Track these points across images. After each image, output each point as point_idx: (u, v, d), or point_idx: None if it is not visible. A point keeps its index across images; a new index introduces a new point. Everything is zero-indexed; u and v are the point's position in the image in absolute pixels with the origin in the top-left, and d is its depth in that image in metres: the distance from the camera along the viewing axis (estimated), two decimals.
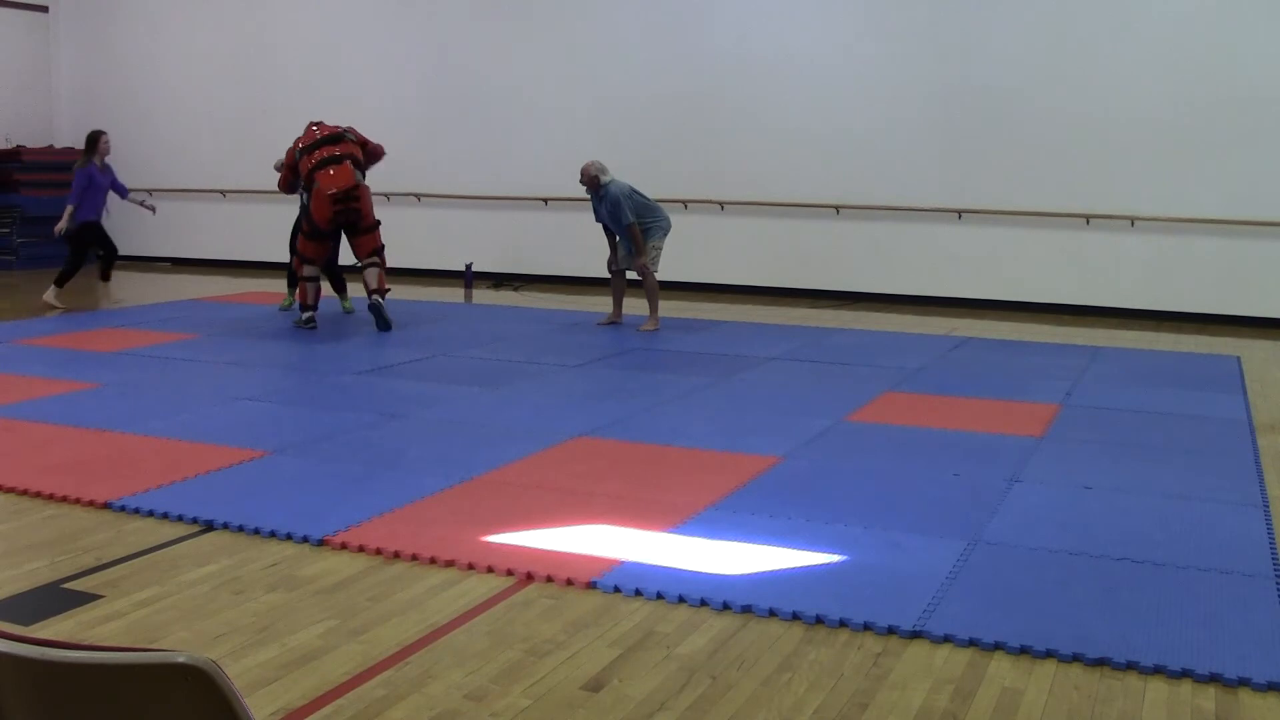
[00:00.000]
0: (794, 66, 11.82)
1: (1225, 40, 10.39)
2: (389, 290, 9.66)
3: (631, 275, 9.80)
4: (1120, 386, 7.45)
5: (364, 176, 9.46)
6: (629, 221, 9.31)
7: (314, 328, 9.36)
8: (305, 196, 9.53)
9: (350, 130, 9.57)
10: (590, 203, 9.66)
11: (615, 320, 9.88)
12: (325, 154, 9.25)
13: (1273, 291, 10.46)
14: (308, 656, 3.36)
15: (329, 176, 9.13)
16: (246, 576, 4.00)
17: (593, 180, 9.40)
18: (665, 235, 9.61)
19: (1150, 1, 10.63)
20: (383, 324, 9.32)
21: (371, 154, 9.68)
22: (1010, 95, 11.07)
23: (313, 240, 9.45)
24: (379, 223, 9.62)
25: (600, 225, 9.68)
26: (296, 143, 9.52)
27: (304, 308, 9.44)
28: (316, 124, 9.64)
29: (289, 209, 14.41)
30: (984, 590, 3.90)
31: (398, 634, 3.53)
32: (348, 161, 9.23)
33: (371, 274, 9.44)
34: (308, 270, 9.48)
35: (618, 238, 9.60)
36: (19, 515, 4.67)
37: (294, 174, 9.53)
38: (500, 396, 6.97)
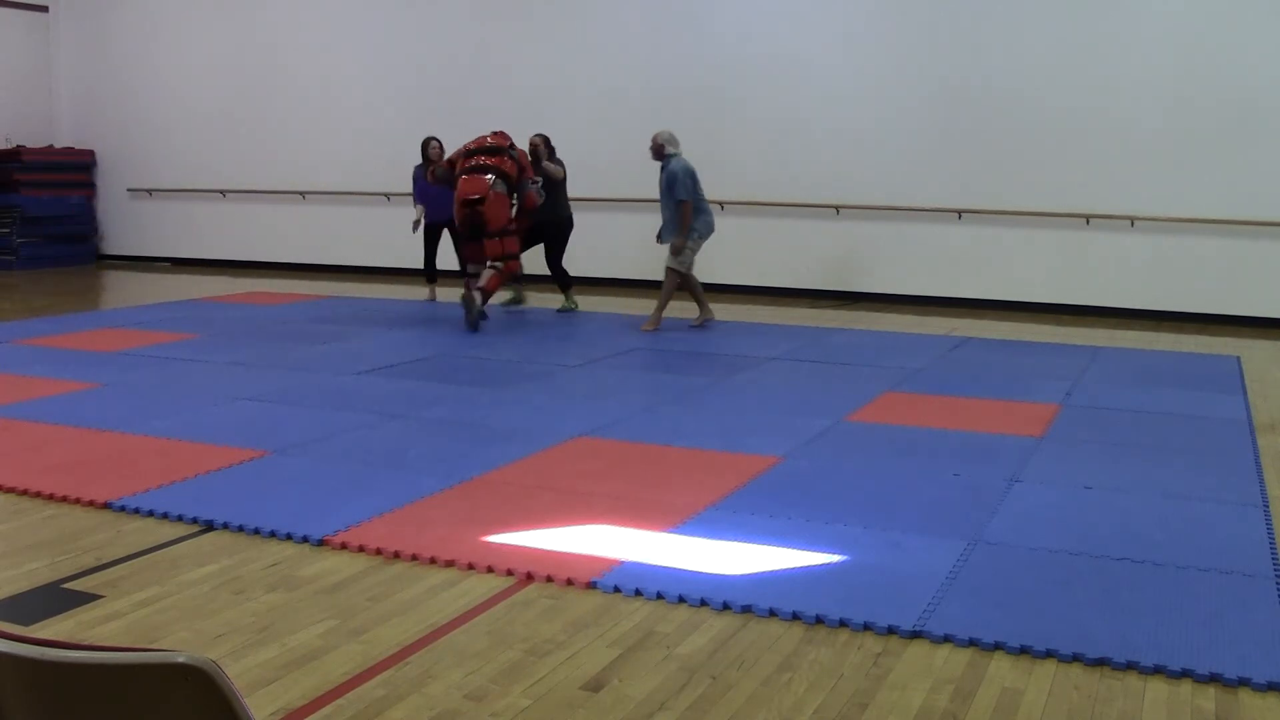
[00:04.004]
0: (794, 67, 11.82)
1: (1225, 40, 10.39)
2: (490, 296, 9.79)
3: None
4: (1120, 386, 7.45)
5: (508, 189, 9.67)
6: (682, 198, 9.31)
7: (485, 319, 9.72)
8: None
9: (520, 152, 9.83)
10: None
11: (708, 317, 9.81)
12: (476, 162, 9.61)
13: (1273, 291, 10.46)
14: (308, 656, 3.36)
15: (463, 182, 9.56)
16: (246, 576, 4.00)
17: (659, 149, 9.51)
18: (704, 239, 9.58)
19: (1151, 2, 10.63)
20: (470, 321, 9.48)
21: (522, 187, 9.84)
22: (1010, 95, 11.07)
23: (462, 243, 9.91)
24: (513, 232, 9.79)
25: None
26: (468, 144, 9.89)
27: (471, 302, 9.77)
28: (496, 134, 9.94)
29: (288, 208, 14.46)
30: (984, 590, 3.90)
31: (398, 634, 3.53)
32: (491, 174, 9.55)
33: (486, 273, 9.72)
34: (472, 268, 9.87)
35: (663, 218, 9.61)
36: (19, 515, 4.67)
37: (450, 168, 9.87)
38: (500, 396, 6.96)
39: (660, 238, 9.70)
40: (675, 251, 9.46)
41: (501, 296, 10.68)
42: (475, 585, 3.93)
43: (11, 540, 4.38)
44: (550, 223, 10.40)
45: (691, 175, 9.36)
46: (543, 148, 10.38)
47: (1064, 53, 10.87)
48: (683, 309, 10.66)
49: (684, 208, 9.32)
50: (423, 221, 11.07)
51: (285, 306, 10.95)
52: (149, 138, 15.25)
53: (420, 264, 11.51)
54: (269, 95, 14.41)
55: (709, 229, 9.58)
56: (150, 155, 15.26)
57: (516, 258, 9.86)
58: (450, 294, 11.31)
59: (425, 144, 11.08)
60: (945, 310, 11.18)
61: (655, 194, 10.62)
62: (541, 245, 10.62)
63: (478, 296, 9.49)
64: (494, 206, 9.50)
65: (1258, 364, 8.53)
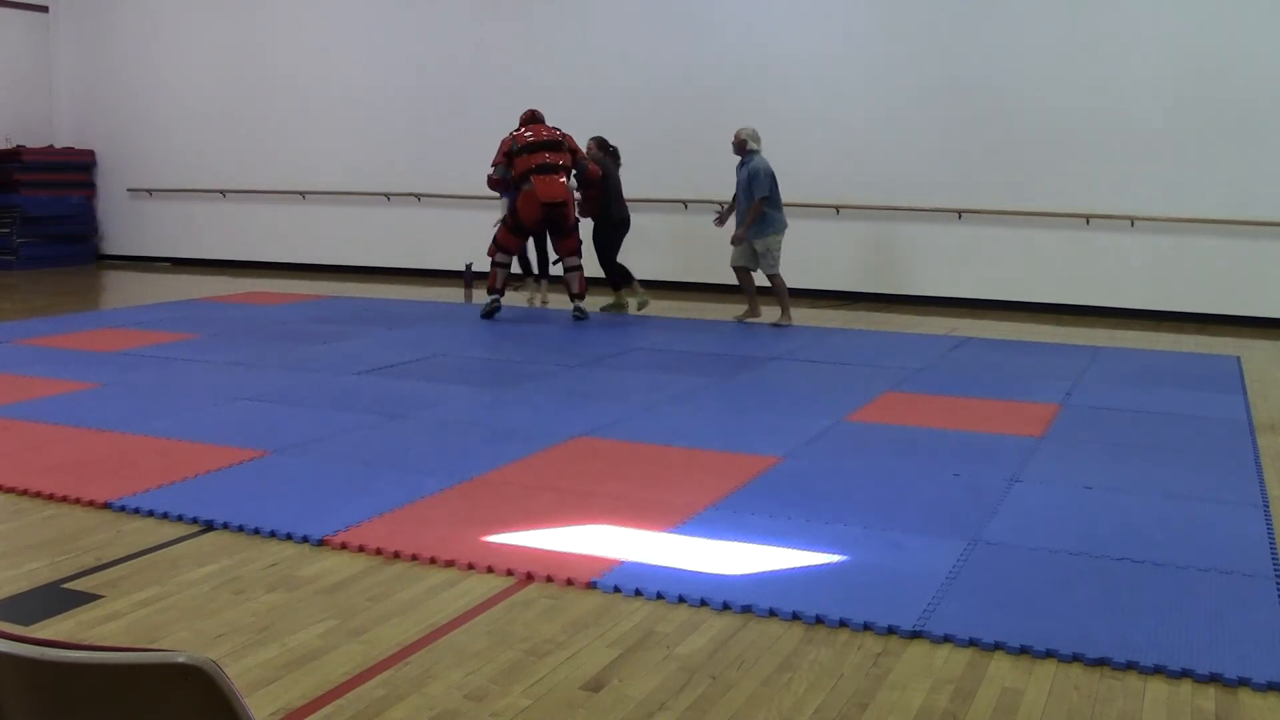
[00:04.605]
0: (794, 67, 11.82)
1: (1225, 40, 10.39)
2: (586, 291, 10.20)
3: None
4: (1120, 386, 7.45)
5: (570, 180, 9.86)
6: (761, 194, 9.51)
7: (498, 310, 10.01)
8: (513, 192, 9.96)
9: (566, 138, 9.89)
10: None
11: (753, 316, 10.01)
12: (546, 160, 9.69)
13: (1273, 291, 10.46)
14: (308, 656, 3.36)
15: (544, 184, 9.66)
16: (246, 576, 4.00)
17: (741, 144, 9.73)
18: (780, 235, 9.79)
19: (1151, 2, 10.63)
20: (583, 319, 9.92)
21: (581, 167, 9.91)
22: (1011, 95, 11.07)
23: (514, 234, 10.04)
24: (579, 221, 10.09)
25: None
26: (512, 136, 9.88)
27: (490, 291, 10.01)
28: (532, 115, 9.98)
29: (288, 208, 14.46)
30: (984, 590, 3.90)
31: (398, 634, 3.53)
32: (562, 174, 9.73)
33: (573, 278, 10.03)
34: (500, 258, 10.05)
35: (738, 213, 9.80)
36: (19, 515, 4.67)
37: (509, 163, 9.83)
38: (500, 396, 6.96)
39: (733, 260, 9.98)
40: (735, 242, 9.74)
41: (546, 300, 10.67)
42: (475, 585, 3.93)
43: (11, 540, 4.38)
44: (614, 223, 10.38)
45: (771, 175, 9.60)
46: (595, 152, 10.36)
47: (1064, 52, 10.87)
48: (680, 310, 10.66)
49: (758, 205, 9.53)
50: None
51: (285, 306, 10.95)
52: (149, 138, 15.25)
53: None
54: (269, 95, 14.41)
55: (783, 225, 9.81)
56: (150, 155, 15.26)
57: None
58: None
59: None
60: (945, 310, 11.18)
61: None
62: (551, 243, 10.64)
63: (581, 304, 9.91)
64: (572, 206, 9.84)
65: (1258, 364, 8.53)
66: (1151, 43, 10.60)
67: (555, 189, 9.63)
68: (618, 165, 10.52)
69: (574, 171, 9.94)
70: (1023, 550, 4.29)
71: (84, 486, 4.93)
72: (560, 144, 9.80)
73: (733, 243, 9.79)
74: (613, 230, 10.42)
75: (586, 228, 10.45)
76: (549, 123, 10.14)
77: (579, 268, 10.03)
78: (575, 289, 10.00)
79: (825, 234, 11.89)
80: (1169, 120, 10.58)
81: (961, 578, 3.99)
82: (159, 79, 15.12)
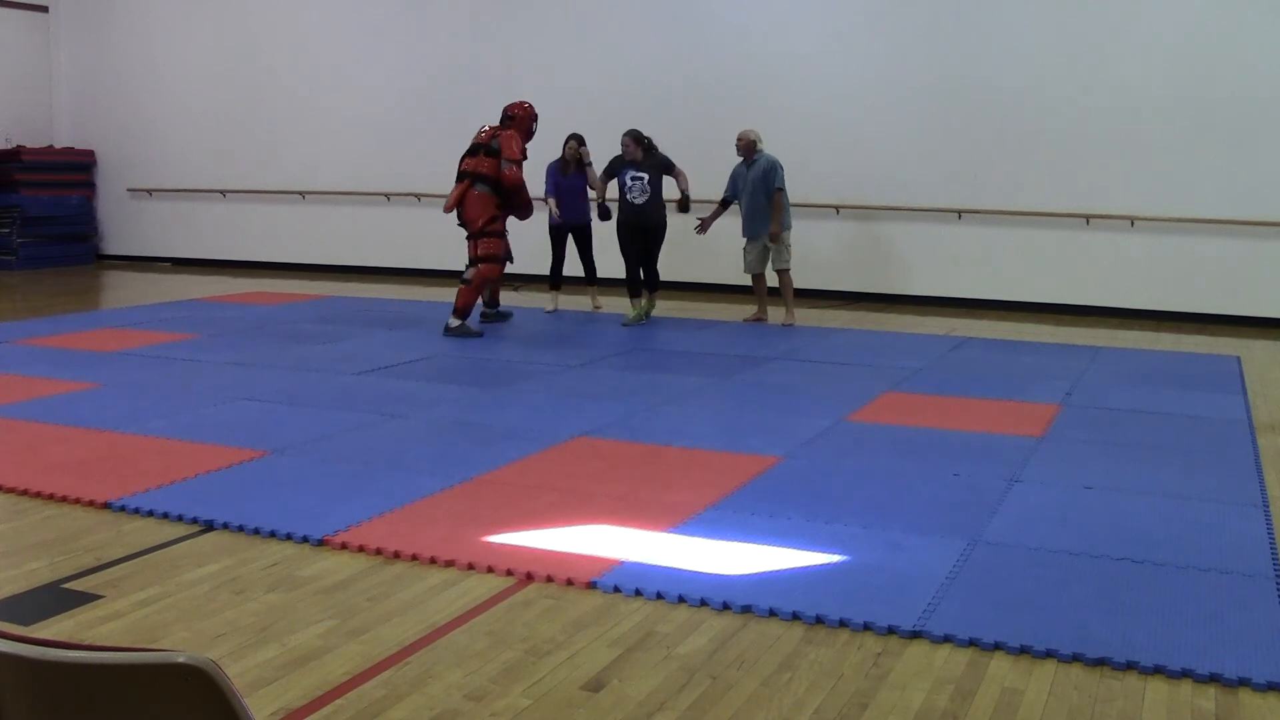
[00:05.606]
0: (794, 66, 11.82)
1: (1226, 40, 10.39)
2: (466, 313, 9.30)
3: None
4: (1120, 386, 7.45)
5: (487, 185, 9.32)
6: (779, 186, 9.64)
7: (501, 319, 10.03)
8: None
9: (500, 136, 9.38)
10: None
11: (761, 318, 10.14)
12: (465, 167, 9.48)
13: (1273, 291, 10.45)
14: (308, 656, 3.37)
15: (451, 193, 9.49)
16: (246, 576, 4.00)
17: (751, 145, 9.85)
18: (789, 230, 9.93)
19: (1151, 1, 10.63)
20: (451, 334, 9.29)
21: (505, 179, 9.31)
22: (1011, 95, 11.07)
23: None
24: (497, 233, 9.42)
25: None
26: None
27: (486, 301, 9.97)
28: (513, 109, 9.72)
29: (288, 208, 14.47)
30: (984, 590, 3.90)
31: (398, 634, 3.53)
32: (465, 180, 9.39)
33: (460, 291, 9.28)
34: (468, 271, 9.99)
35: (748, 240, 9.92)
36: (19, 515, 4.67)
37: None
38: (500, 396, 6.97)
39: (746, 231, 10.00)
40: (774, 239, 9.81)
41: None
42: (475, 585, 3.93)
43: (11, 540, 4.38)
44: (658, 226, 10.07)
45: (782, 169, 9.74)
46: (633, 147, 9.91)
47: (1064, 52, 10.87)
48: (679, 310, 10.65)
49: (779, 196, 9.65)
50: (553, 220, 10.62)
51: (285, 306, 10.95)
52: (149, 138, 15.24)
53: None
54: (269, 95, 14.40)
55: (789, 222, 9.97)
56: (150, 155, 15.25)
57: (497, 260, 9.49)
58: (575, 303, 11.01)
59: (565, 142, 10.62)
60: (945, 310, 11.18)
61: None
62: (579, 245, 10.67)
63: (455, 321, 9.19)
64: (471, 207, 9.33)
65: (1258, 364, 8.53)
66: (1151, 43, 10.60)
67: (450, 199, 9.39)
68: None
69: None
70: (1022, 550, 4.29)
71: (84, 486, 4.93)
72: (476, 149, 9.39)
73: (772, 241, 9.80)
74: (656, 233, 10.08)
75: (607, 227, 10.38)
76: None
77: (467, 283, 9.25)
78: (457, 302, 9.23)
79: (825, 234, 11.89)
80: (1169, 120, 10.58)
81: (961, 578, 3.99)
82: (159, 79, 15.12)
